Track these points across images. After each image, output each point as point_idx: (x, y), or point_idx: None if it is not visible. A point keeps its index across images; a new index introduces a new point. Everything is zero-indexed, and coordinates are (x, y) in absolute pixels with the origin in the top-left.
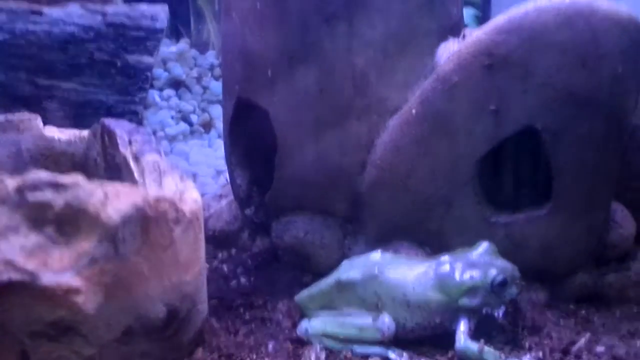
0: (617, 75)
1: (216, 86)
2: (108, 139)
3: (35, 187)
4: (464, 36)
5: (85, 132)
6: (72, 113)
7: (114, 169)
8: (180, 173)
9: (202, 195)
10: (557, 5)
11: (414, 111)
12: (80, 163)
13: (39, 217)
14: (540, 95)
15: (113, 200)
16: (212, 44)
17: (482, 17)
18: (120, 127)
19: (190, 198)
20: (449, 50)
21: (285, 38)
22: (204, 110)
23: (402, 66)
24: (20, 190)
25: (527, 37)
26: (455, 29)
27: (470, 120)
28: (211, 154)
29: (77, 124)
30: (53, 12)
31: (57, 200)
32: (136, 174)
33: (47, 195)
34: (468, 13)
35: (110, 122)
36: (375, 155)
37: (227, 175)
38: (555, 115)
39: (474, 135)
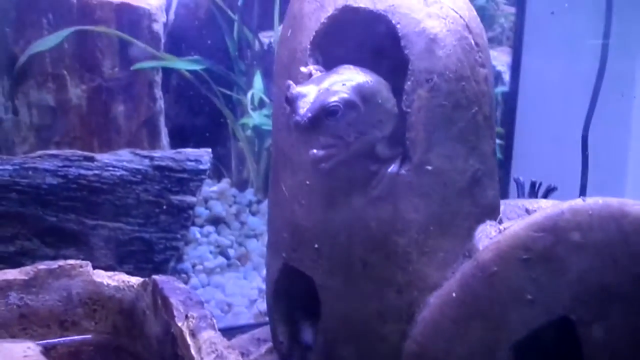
0: None
1: (253, 221)
2: (162, 303)
3: None
4: (500, 220)
5: (133, 280)
6: (117, 250)
7: (167, 333)
8: (236, 355)
9: (238, 328)
10: (590, 207)
11: (454, 294)
12: (127, 310)
13: None
14: (574, 290)
15: None
16: (251, 182)
17: (505, 147)
18: (174, 295)
19: None
20: (486, 233)
21: (333, 215)
22: (240, 244)
23: (442, 246)
24: None
25: (562, 236)
26: (491, 212)
27: (507, 308)
28: (246, 285)
29: (122, 259)
30: (104, 157)
31: None
32: (193, 352)
33: None
34: None
35: (163, 283)
36: (416, 330)
37: (259, 305)
38: (589, 308)
39: (511, 321)
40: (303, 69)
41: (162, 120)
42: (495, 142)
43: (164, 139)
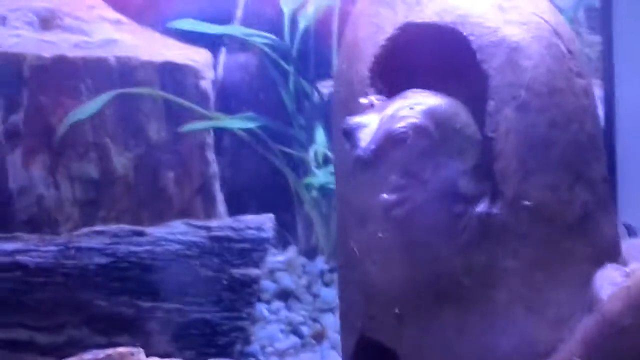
0: None
1: (327, 293)
2: None
3: None
4: (625, 263)
5: None
6: (176, 334)
7: None
8: None
9: None
10: None
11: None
12: None
13: None
14: None
15: None
16: (320, 248)
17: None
18: None
19: None
20: (609, 280)
21: (415, 272)
22: (315, 320)
23: (552, 299)
24: None
25: None
26: (611, 252)
27: None
28: None
29: (182, 345)
30: (156, 231)
31: None
32: None
33: None
34: None
35: None
36: None
37: None
38: None
39: None
40: (363, 100)
41: (216, 186)
42: (605, 166)
43: (220, 206)
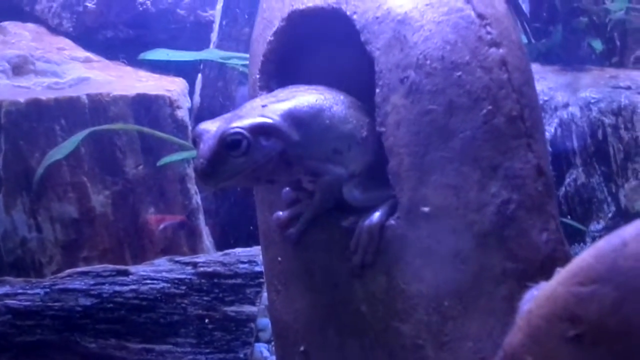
0: None
1: None
2: None
3: None
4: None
5: None
6: None
7: None
8: None
9: None
10: None
11: None
12: None
13: None
14: None
15: None
16: None
17: None
18: None
19: None
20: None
21: (316, 301)
22: None
23: (469, 330)
24: None
25: (630, 286)
26: (547, 266)
27: None
28: None
29: None
30: (140, 269)
31: None
32: None
33: None
34: None
35: None
36: None
37: None
38: None
39: None
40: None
41: (201, 219)
42: (544, 154)
43: (207, 240)
